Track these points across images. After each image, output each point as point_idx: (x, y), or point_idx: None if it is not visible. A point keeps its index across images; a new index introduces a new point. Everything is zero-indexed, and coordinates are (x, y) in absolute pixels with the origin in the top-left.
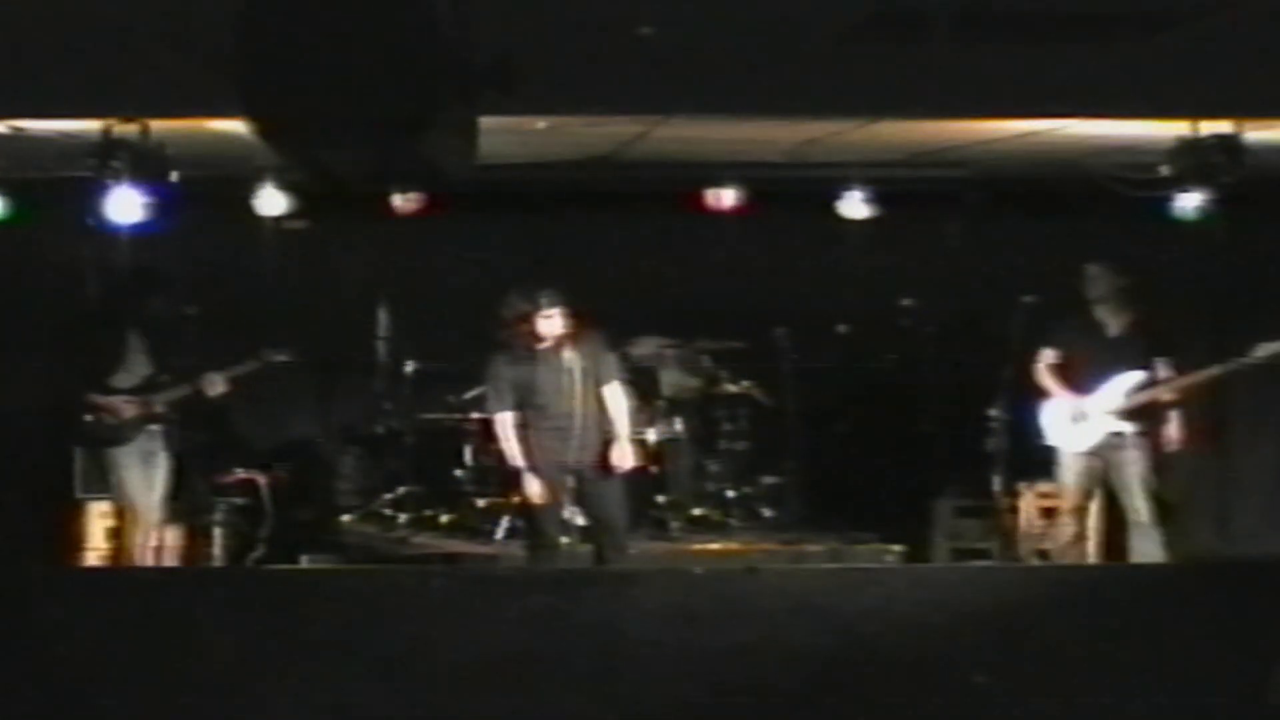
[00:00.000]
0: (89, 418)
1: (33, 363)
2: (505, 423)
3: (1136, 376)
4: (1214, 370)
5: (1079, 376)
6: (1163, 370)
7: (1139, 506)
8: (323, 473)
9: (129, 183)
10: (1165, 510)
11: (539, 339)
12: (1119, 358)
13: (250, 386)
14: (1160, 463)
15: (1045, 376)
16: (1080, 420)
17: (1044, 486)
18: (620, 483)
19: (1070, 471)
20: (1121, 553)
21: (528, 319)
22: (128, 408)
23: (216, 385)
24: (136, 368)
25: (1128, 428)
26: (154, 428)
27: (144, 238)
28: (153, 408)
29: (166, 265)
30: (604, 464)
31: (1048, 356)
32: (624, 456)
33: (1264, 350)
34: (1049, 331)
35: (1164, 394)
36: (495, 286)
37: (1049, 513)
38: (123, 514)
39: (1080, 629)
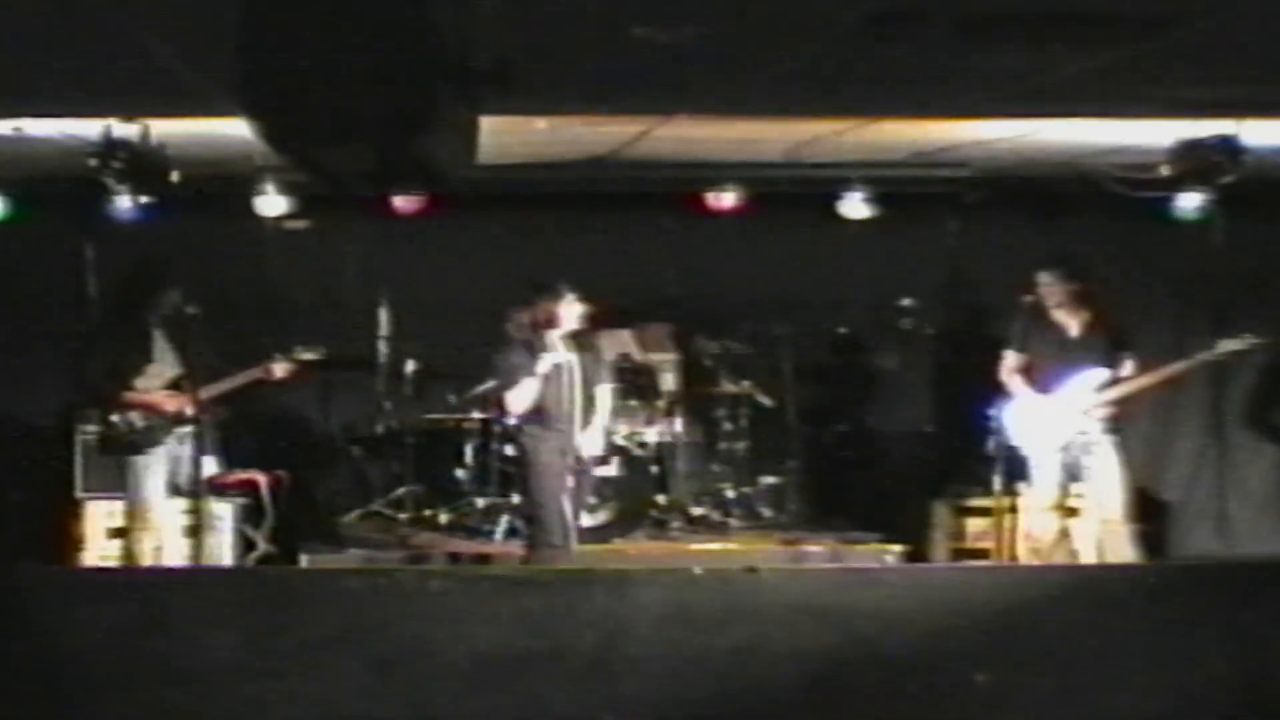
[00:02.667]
0: (115, 418)
1: (33, 362)
2: (519, 394)
3: (1102, 374)
4: (1179, 365)
5: (1043, 377)
6: (1127, 367)
7: (1111, 504)
8: (323, 473)
9: (129, 183)
10: (1142, 507)
11: (552, 329)
12: (1081, 358)
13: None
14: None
15: (1009, 378)
16: (1047, 420)
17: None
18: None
19: (1043, 470)
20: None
21: (545, 310)
22: (169, 402)
23: (277, 370)
24: (162, 367)
25: (1096, 425)
26: (184, 430)
27: (144, 237)
28: (185, 406)
29: (177, 262)
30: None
31: (1010, 359)
32: (594, 444)
33: (1226, 345)
34: (1011, 334)
35: (1130, 390)
36: (495, 286)
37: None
38: (134, 515)
39: (1080, 629)
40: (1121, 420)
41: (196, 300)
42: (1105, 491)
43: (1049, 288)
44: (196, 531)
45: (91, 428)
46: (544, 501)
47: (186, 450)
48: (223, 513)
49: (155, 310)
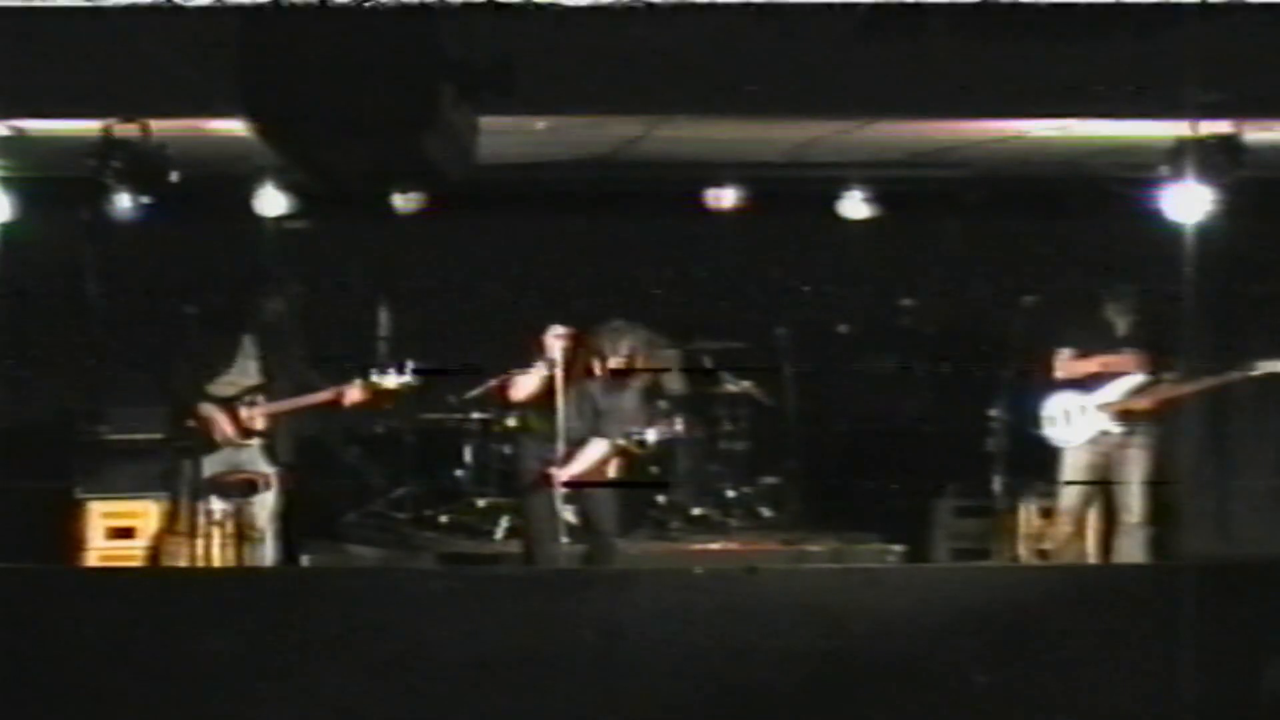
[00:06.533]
0: (184, 423)
1: (33, 362)
2: (523, 380)
3: (1137, 379)
4: (1210, 381)
5: (1088, 375)
6: (1165, 371)
7: (1132, 506)
8: (323, 473)
9: (129, 183)
10: (1162, 512)
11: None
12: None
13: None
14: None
15: (1062, 371)
16: (1075, 416)
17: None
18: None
19: (1071, 469)
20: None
21: (600, 350)
22: (234, 423)
23: (350, 394)
24: (240, 376)
25: (1116, 427)
26: (250, 441)
27: (144, 238)
28: (250, 423)
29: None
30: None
31: (1064, 353)
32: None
33: (1263, 368)
34: (1064, 329)
35: (1159, 398)
36: (495, 286)
37: (1048, 513)
38: (172, 516)
39: (1080, 629)
40: (1152, 423)
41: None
42: (1127, 493)
43: (1115, 288)
44: (239, 539)
45: (101, 427)
46: (531, 499)
47: (243, 458)
48: (264, 523)
49: (254, 318)
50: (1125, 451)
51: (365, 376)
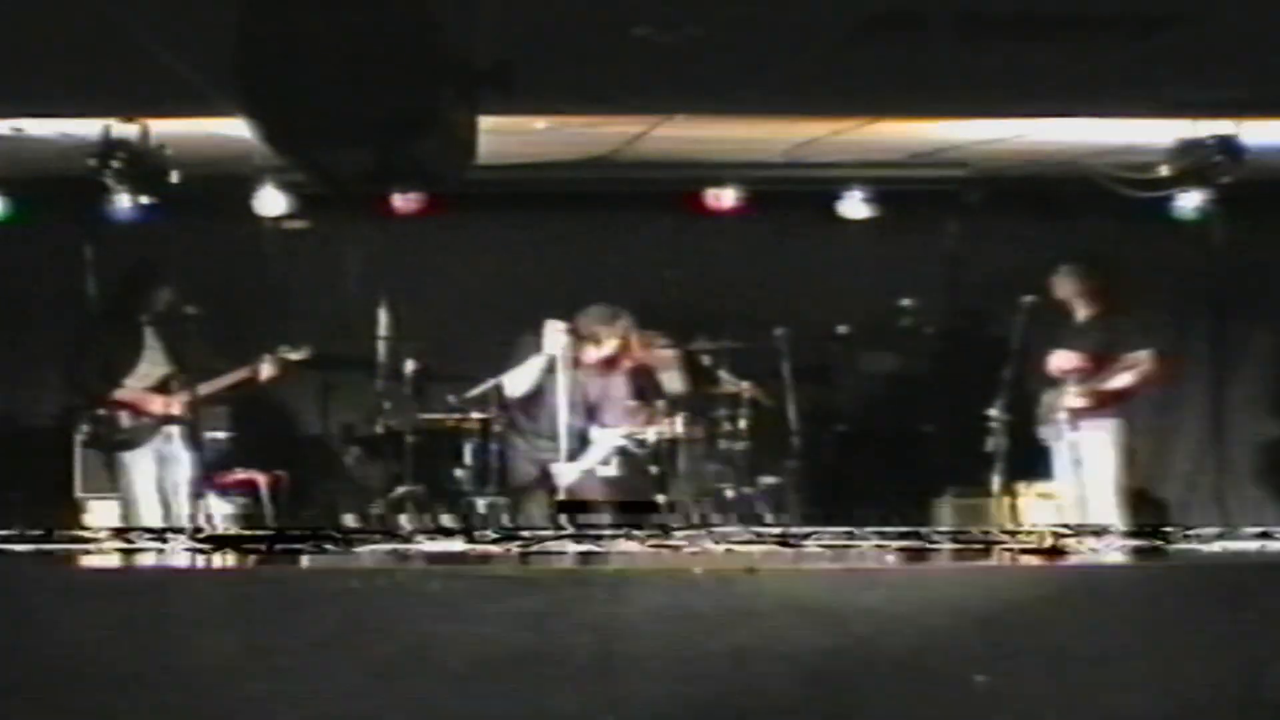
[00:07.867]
0: (105, 415)
1: (33, 362)
2: (518, 377)
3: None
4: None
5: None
6: (1129, 360)
7: (1097, 499)
8: (323, 473)
9: (129, 183)
10: (1138, 505)
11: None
12: (1079, 346)
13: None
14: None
15: (1059, 373)
16: (1048, 414)
17: (1043, 486)
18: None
19: (1058, 467)
20: None
21: (590, 335)
22: (155, 403)
23: (265, 371)
24: (152, 366)
25: (1064, 421)
26: (172, 429)
27: (144, 237)
28: (171, 407)
29: (170, 261)
30: None
31: (1057, 355)
32: (570, 475)
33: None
34: (1056, 332)
35: (1103, 389)
36: (496, 286)
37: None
38: (127, 514)
39: (1080, 629)
40: (1104, 415)
41: (193, 300)
42: (1091, 488)
43: (1062, 280)
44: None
45: (85, 426)
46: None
47: (174, 449)
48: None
49: (148, 309)
50: (1081, 448)
51: (274, 352)
